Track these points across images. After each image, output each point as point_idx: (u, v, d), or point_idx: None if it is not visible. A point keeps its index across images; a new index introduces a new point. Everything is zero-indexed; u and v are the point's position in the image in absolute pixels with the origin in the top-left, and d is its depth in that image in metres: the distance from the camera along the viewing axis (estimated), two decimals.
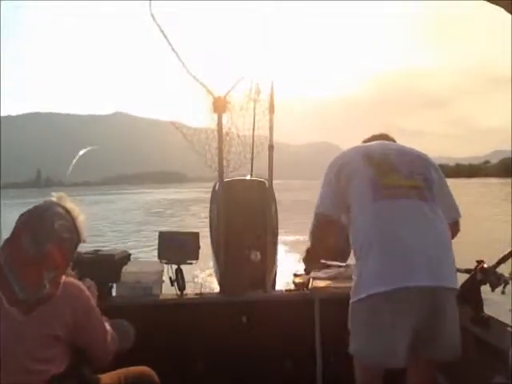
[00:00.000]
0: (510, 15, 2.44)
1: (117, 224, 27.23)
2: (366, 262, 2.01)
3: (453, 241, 2.10)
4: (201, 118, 3.27)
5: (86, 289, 1.99)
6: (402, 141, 2.44)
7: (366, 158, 2.16)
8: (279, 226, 3.37)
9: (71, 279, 1.96)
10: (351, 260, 3.40)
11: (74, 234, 2.01)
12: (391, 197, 2.05)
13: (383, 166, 2.12)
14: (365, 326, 2.04)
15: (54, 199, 2.05)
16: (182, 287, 3.02)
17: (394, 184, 2.07)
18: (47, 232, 1.90)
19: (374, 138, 2.45)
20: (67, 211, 2.02)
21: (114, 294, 3.01)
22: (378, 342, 2.00)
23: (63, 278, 1.89)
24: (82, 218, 2.07)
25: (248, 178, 3.49)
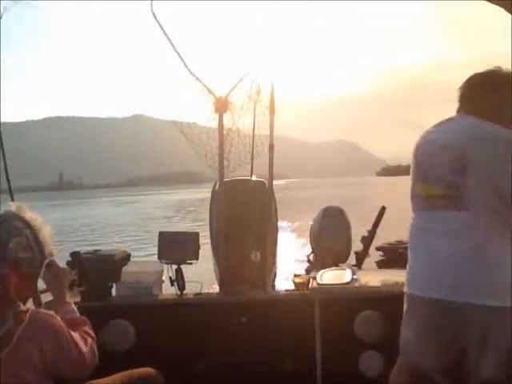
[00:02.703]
0: (510, 15, 2.41)
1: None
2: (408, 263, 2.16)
3: None
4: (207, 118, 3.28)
5: (52, 314, 1.76)
6: None
7: (414, 157, 2.15)
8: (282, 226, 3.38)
9: (35, 310, 1.75)
10: (350, 260, 3.41)
11: (34, 250, 1.75)
12: (421, 208, 2.08)
13: (419, 170, 2.10)
14: None
15: (12, 209, 1.79)
16: (181, 287, 3.02)
17: (422, 194, 2.07)
18: None
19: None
20: (26, 224, 1.75)
21: (113, 293, 3.00)
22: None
23: (28, 310, 1.69)
24: (45, 229, 1.82)
25: (249, 178, 3.47)
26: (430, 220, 2.03)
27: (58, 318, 1.76)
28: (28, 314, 1.66)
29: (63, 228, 26.12)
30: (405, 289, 2.12)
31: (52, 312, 1.79)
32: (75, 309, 1.99)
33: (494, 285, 1.86)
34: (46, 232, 1.82)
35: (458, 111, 2.14)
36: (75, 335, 1.81)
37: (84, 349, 1.82)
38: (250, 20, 3.30)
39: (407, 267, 2.13)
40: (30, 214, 1.80)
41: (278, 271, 3.35)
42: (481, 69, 2.14)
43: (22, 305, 1.70)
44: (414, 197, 2.13)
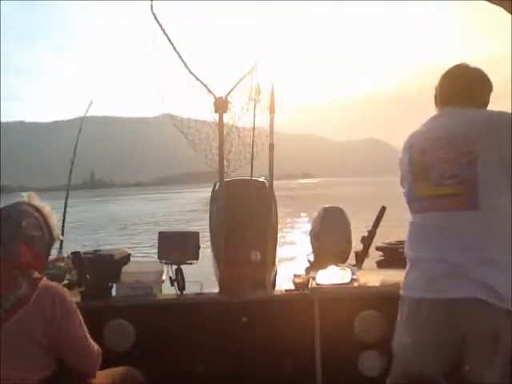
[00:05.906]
0: (510, 15, 2.36)
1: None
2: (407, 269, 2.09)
3: None
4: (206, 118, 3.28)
5: (69, 294, 1.92)
6: None
7: (409, 157, 2.10)
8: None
9: (53, 283, 1.89)
10: (350, 260, 3.38)
11: (44, 231, 1.94)
12: (421, 211, 2.04)
13: (417, 170, 2.05)
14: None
15: (24, 199, 1.98)
16: (181, 287, 3.02)
17: (423, 195, 2.03)
18: (13, 231, 1.83)
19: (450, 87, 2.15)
20: (36, 209, 1.95)
21: (113, 293, 3.00)
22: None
23: (42, 280, 1.83)
24: (53, 216, 2.00)
25: (249, 178, 3.46)
26: (436, 222, 1.97)
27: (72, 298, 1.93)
28: (41, 283, 1.80)
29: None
30: (403, 293, 2.06)
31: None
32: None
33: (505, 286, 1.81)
34: (54, 218, 2.02)
35: (444, 106, 2.13)
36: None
37: (93, 343, 1.99)
38: (251, 20, 3.28)
39: (407, 273, 2.07)
40: (39, 202, 1.99)
41: (277, 271, 3.35)
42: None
43: (36, 272, 1.84)
44: (413, 199, 2.08)
